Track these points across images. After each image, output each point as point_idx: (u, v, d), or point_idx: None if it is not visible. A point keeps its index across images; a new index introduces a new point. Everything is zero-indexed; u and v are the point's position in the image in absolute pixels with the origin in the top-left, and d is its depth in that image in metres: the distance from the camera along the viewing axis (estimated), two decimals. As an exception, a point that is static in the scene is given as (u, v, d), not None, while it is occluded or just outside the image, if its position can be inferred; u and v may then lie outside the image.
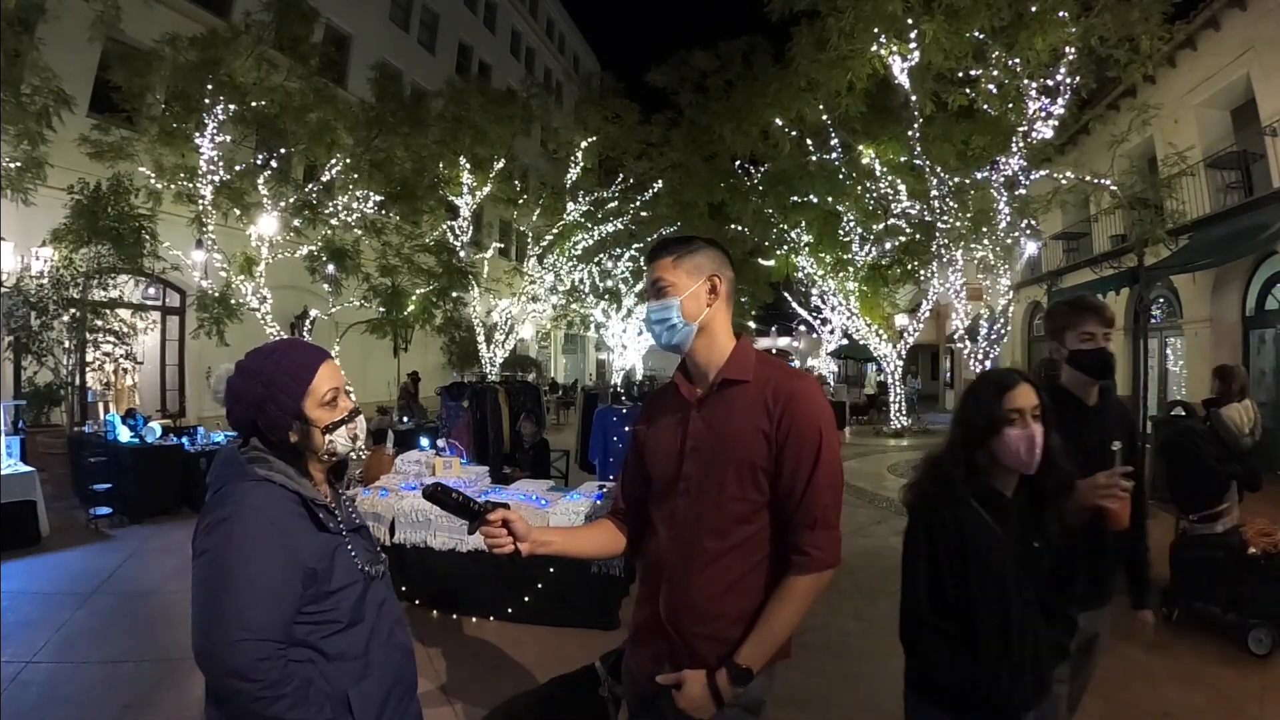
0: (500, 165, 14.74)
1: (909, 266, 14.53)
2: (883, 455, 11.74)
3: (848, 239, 14.27)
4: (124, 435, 7.45)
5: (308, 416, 1.30)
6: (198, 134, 9.58)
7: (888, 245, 14.51)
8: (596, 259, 18.68)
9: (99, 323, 8.87)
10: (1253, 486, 4.03)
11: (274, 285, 11.06)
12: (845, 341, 19.85)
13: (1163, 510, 4.79)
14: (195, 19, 11.67)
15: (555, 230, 16.51)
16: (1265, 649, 3.56)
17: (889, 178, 10.86)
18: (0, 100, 7.64)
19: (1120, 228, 12.79)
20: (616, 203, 16.97)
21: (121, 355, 9.28)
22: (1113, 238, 13.15)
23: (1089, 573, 1.92)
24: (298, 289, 12.44)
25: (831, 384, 19.95)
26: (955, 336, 10.99)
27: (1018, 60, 8.02)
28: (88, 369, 9.12)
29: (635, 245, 18.61)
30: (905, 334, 15.10)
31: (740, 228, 15.54)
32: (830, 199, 12.44)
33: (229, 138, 9.94)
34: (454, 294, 13.90)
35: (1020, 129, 8.61)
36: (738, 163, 14.01)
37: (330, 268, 11.79)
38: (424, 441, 5.73)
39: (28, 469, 6.17)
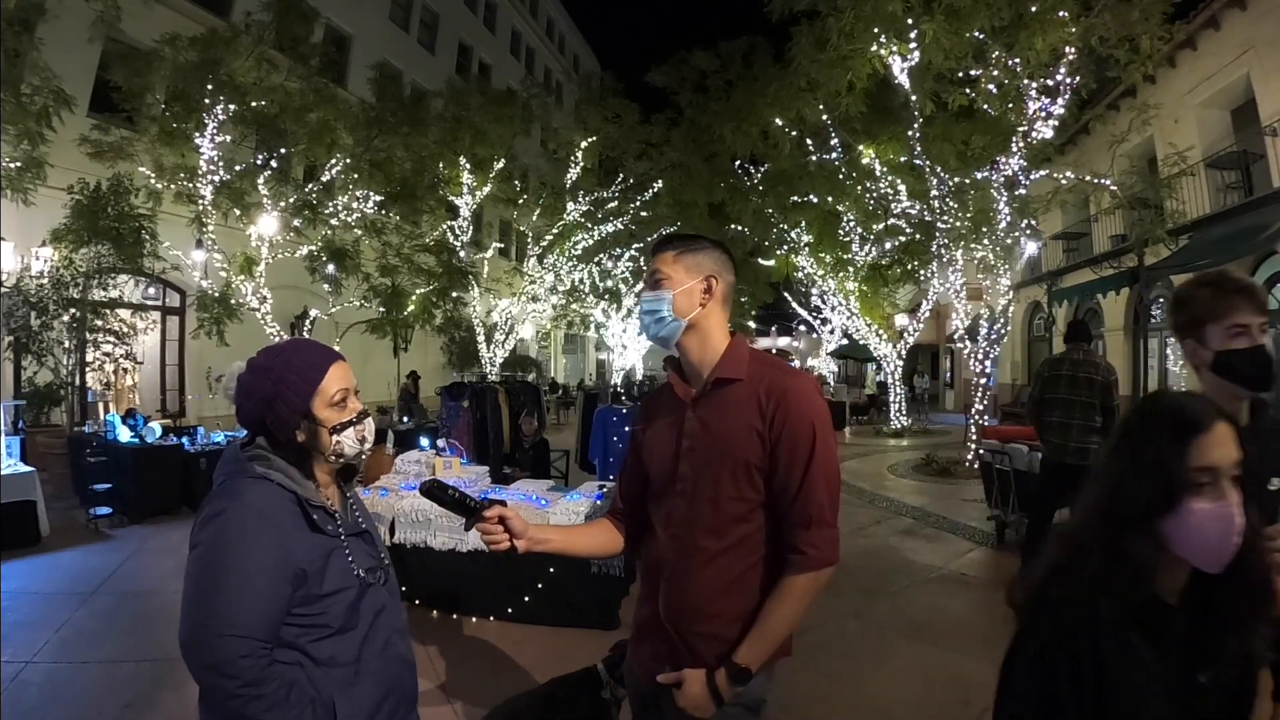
0: (500, 165, 14.76)
1: (909, 266, 14.51)
2: (883, 455, 11.75)
3: (848, 239, 14.27)
4: (124, 435, 7.43)
5: (316, 416, 1.30)
6: (198, 134, 9.58)
7: (888, 245, 14.51)
8: (596, 259, 18.68)
9: (99, 323, 8.88)
10: None
11: (274, 285, 11.05)
12: (845, 341, 19.85)
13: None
14: (195, 19, 11.67)
15: (555, 230, 16.52)
16: None
17: (889, 178, 10.85)
18: (0, 100, 7.64)
19: (1120, 228, 12.79)
20: (616, 203, 16.97)
21: (121, 355, 9.28)
22: (1113, 238, 13.15)
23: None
24: (298, 289, 12.46)
25: (831, 384, 19.96)
26: (955, 336, 10.98)
27: (1018, 60, 8.04)
28: (88, 369, 9.11)
29: (635, 245, 18.61)
30: (905, 334, 15.09)
31: (740, 228, 15.53)
32: (830, 199, 12.42)
33: (229, 138, 9.94)
34: (454, 294, 13.92)
35: (1020, 129, 8.62)
36: (738, 163, 14.00)
37: (330, 268, 11.81)
38: (424, 441, 5.72)
39: (28, 469, 6.16)
